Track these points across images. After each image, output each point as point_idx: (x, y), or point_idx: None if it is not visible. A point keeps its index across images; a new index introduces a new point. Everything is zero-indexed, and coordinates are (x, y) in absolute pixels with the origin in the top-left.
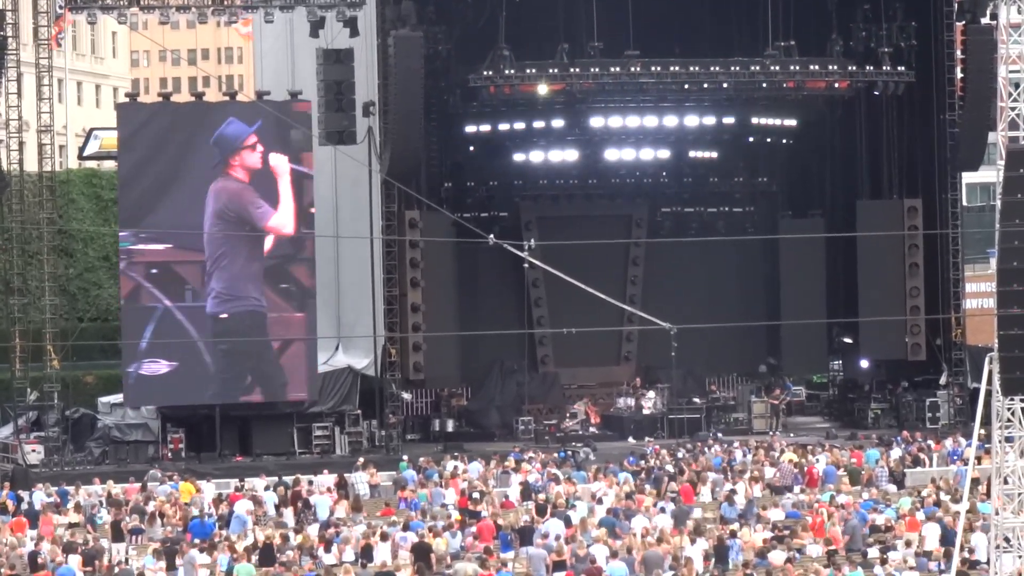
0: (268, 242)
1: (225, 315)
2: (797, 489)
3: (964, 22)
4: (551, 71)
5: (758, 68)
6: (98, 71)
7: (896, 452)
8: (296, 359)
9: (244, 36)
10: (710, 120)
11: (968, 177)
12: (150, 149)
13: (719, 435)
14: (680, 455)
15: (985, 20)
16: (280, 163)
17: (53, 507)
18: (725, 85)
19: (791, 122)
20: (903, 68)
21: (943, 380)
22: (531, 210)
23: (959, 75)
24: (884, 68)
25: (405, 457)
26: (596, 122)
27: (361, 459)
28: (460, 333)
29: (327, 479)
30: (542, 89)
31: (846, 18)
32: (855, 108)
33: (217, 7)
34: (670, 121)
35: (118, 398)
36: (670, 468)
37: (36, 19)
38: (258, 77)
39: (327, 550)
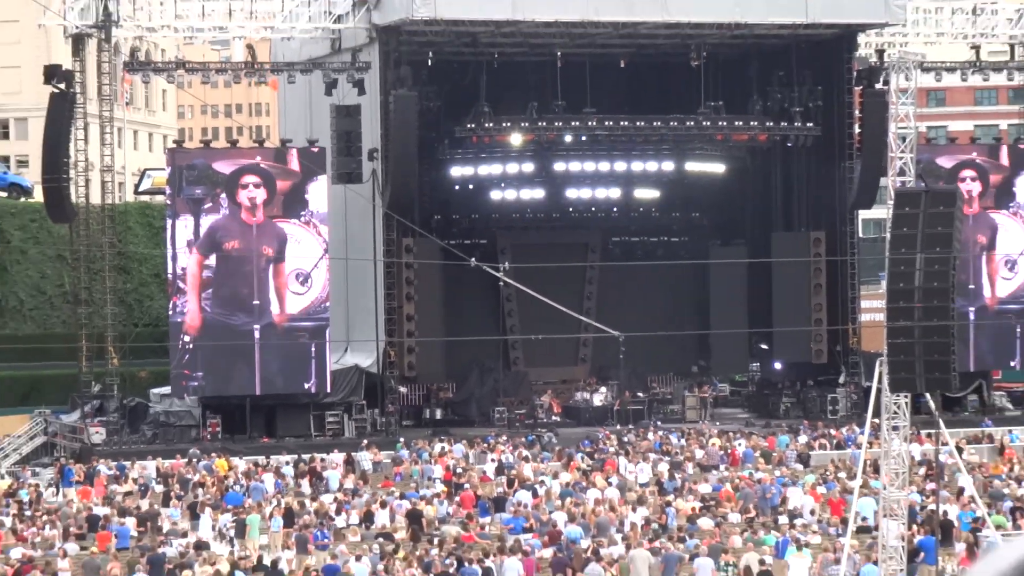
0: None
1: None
2: (723, 468)
3: (862, 87)
4: (523, 124)
5: (693, 123)
6: (150, 121)
7: (803, 438)
8: None
9: (270, 84)
10: (653, 165)
11: (864, 214)
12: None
13: (658, 423)
14: (626, 439)
15: (879, 85)
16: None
17: (113, 479)
18: (665, 136)
19: (720, 167)
20: (811, 124)
21: (842, 379)
22: (506, 238)
23: (857, 130)
24: (795, 124)
25: (401, 439)
26: (559, 167)
27: (365, 441)
28: (446, 338)
29: (337, 457)
30: (515, 139)
31: (764, 82)
32: (772, 156)
33: (249, 70)
34: (620, 166)
35: (166, 390)
36: (612, 450)
37: (100, 78)
38: (282, 127)
39: (338, 514)
